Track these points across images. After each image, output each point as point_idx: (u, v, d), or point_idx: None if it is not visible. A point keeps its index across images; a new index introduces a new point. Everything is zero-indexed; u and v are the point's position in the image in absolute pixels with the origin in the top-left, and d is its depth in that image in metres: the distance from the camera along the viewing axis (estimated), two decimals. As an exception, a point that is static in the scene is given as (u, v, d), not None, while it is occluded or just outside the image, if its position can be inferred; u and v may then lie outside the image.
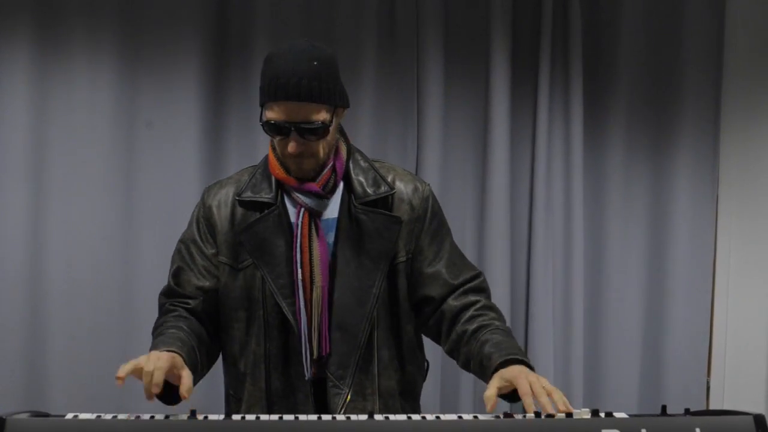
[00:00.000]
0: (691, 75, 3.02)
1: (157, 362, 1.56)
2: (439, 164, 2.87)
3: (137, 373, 1.54)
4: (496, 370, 1.64)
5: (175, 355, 1.64)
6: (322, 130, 1.75)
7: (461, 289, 1.86)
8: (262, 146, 2.59)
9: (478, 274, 1.90)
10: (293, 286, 1.80)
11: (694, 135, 3.03)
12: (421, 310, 1.89)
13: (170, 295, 1.89)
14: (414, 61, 2.88)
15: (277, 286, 1.80)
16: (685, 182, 3.03)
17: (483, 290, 1.89)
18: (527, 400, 1.52)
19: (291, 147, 1.73)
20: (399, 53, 2.89)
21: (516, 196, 2.96)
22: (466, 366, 1.81)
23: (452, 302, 1.84)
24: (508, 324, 1.87)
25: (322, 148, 1.78)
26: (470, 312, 1.82)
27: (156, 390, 1.53)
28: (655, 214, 3.06)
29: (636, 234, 3.05)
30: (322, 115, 1.74)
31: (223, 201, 1.88)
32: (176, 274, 1.89)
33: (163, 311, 1.88)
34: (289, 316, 1.79)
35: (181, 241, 1.92)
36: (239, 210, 1.86)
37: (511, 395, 1.61)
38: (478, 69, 2.93)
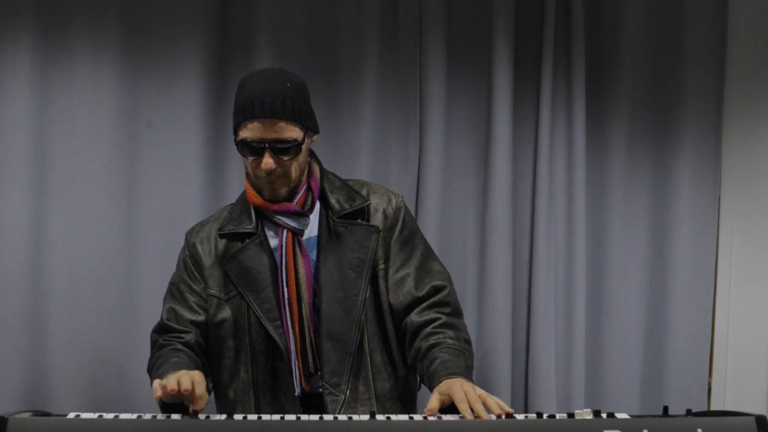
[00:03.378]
0: (693, 75, 3.01)
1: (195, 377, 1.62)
2: (441, 165, 2.87)
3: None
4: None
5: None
6: (295, 148, 1.80)
7: (424, 304, 1.90)
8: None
9: (443, 287, 1.94)
10: (280, 308, 1.84)
11: (697, 135, 3.03)
12: (392, 318, 1.94)
13: (163, 332, 1.94)
14: (416, 63, 2.88)
15: (263, 310, 1.85)
16: (687, 183, 3.02)
17: (446, 304, 1.92)
18: (462, 406, 1.55)
19: (265, 164, 1.78)
20: (401, 54, 2.88)
21: (518, 197, 2.95)
22: (421, 381, 1.88)
23: (414, 317, 1.89)
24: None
25: (294, 169, 1.84)
26: (428, 329, 1.86)
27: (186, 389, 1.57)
28: (657, 215, 3.05)
29: (638, 234, 3.04)
30: (296, 133, 1.79)
31: (205, 237, 1.96)
32: (169, 312, 1.95)
33: (157, 347, 1.92)
34: (276, 339, 1.83)
35: (171, 283, 1.99)
36: (222, 242, 1.92)
37: (453, 408, 1.63)
38: (480, 70, 2.92)
